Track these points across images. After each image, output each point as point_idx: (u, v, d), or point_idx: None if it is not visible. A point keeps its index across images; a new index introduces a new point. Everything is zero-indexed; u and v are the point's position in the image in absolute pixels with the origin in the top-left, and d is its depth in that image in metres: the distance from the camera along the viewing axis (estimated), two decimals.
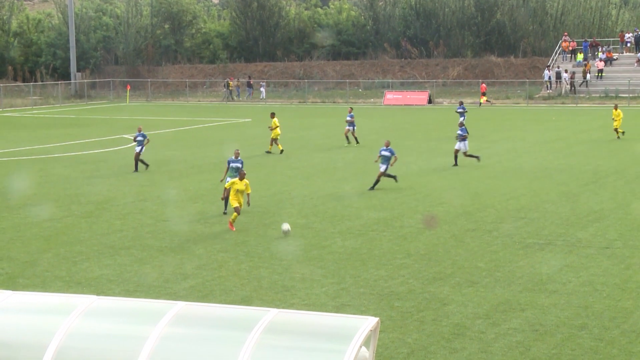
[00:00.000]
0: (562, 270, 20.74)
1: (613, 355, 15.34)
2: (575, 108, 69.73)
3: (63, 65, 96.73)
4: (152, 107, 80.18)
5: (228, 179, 27.39)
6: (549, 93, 76.79)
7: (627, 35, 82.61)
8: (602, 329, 16.62)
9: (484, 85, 75.59)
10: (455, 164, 37.77)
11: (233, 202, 25.23)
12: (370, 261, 21.87)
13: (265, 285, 19.82)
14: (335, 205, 29.16)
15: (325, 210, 28.44)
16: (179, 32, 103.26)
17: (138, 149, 37.44)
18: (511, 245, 23.33)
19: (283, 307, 16.82)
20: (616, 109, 46.72)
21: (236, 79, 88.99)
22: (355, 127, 46.55)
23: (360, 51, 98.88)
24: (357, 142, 46.18)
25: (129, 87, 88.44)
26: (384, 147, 32.33)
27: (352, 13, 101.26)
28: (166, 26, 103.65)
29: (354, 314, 16.52)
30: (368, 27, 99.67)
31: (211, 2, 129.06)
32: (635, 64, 77.63)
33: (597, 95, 74.04)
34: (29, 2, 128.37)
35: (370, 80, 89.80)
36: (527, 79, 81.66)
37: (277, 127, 43.62)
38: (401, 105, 76.66)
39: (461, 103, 52.63)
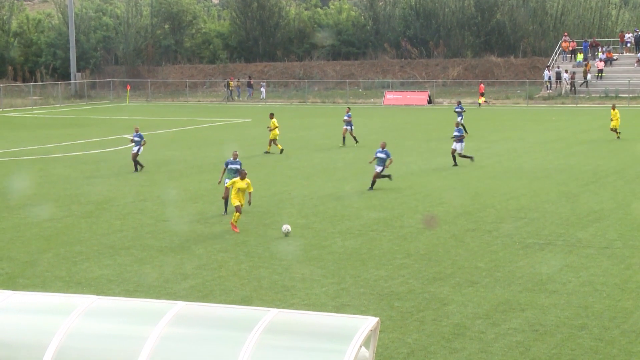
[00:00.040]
0: (562, 270, 20.74)
1: (613, 355, 15.34)
2: (575, 108, 69.73)
3: (63, 65, 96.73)
4: (152, 107, 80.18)
5: (227, 180, 27.37)
6: (549, 93, 76.79)
7: (627, 35, 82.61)
8: (602, 329, 16.62)
9: (482, 85, 75.61)
10: (455, 164, 37.78)
11: (234, 201, 25.12)
12: (370, 261, 21.87)
13: (265, 285, 19.82)
14: (335, 205, 29.16)
15: (325, 210, 28.44)
16: (179, 32, 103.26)
17: (135, 149, 37.49)
18: (511, 245, 23.33)
19: (283, 307, 16.82)
20: (614, 109, 46.88)
21: (236, 79, 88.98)
22: (352, 127, 46.57)
23: (360, 51, 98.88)
24: (357, 142, 46.20)
25: (129, 87, 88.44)
26: (380, 149, 32.38)
27: (352, 13, 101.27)
28: (166, 26, 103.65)
29: (354, 314, 16.52)
30: (368, 27, 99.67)
31: (211, 2, 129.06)
32: (635, 64, 77.62)
33: (597, 95, 74.04)
34: (29, 2, 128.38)
35: (370, 81, 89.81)
36: (527, 79, 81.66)
37: (276, 127, 43.63)
38: (401, 105, 76.66)
39: (459, 103, 52.64)
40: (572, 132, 51.92)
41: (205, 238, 24.75)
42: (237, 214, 25.10)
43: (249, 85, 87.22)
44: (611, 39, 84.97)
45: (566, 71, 76.59)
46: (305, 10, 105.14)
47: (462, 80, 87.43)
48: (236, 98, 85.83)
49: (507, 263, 21.49)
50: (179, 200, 30.83)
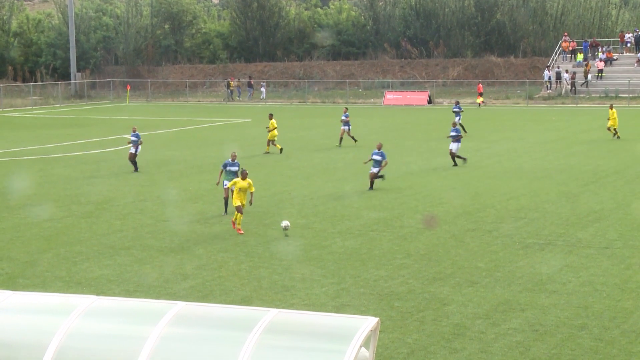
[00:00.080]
0: (562, 270, 20.74)
1: (613, 355, 15.34)
2: (575, 108, 69.73)
3: (63, 66, 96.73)
4: (152, 107, 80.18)
5: (226, 182, 27.35)
6: (549, 93, 76.79)
7: (627, 35, 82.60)
8: (602, 329, 16.62)
9: (480, 85, 75.55)
10: (455, 164, 37.79)
11: (235, 202, 25.05)
12: (370, 261, 21.87)
13: (265, 285, 19.82)
14: (335, 205, 29.16)
15: (325, 210, 28.44)
16: (179, 32, 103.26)
17: (133, 149, 37.51)
18: (511, 245, 23.33)
19: (283, 307, 16.82)
20: (612, 109, 47.04)
21: (237, 79, 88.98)
22: (350, 127, 46.59)
23: (360, 51, 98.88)
24: (355, 141, 46.23)
25: (129, 87, 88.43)
26: (376, 150, 32.41)
27: (352, 13, 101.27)
28: (166, 26, 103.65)
29: (354, 314, 16.52)
30: (368, 27, 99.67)
31: (211, 2, 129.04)
32: (635, 64, 77.62)
33: (597, 95, 74.04)
34: (29, 2, 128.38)
35: (370, 81, 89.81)
36: (527, 79, 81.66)
37: (275, 128, 43.66)
38: (401, 105, 76.65)
39: (457, 103, 52.65)
40: (572, 132, 51.92)
41: (205, 238, 24.75)
42: (239, 214, 25.02)
43: (250, 85, 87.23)
44: (611, 39, 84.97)
45: (567, 71, 76.59)
46: (305, 10, 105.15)
47: (462, 80, 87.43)
48: (236, 98, 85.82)
49: (507, 263, 21.49)
50: (179, 200, 30.83)
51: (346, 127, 46.40)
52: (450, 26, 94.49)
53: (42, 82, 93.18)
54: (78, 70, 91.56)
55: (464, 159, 38.32)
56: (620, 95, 72.19)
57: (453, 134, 38.02)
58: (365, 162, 33.63)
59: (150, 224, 26.61)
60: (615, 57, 78.81)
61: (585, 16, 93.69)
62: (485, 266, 21.20)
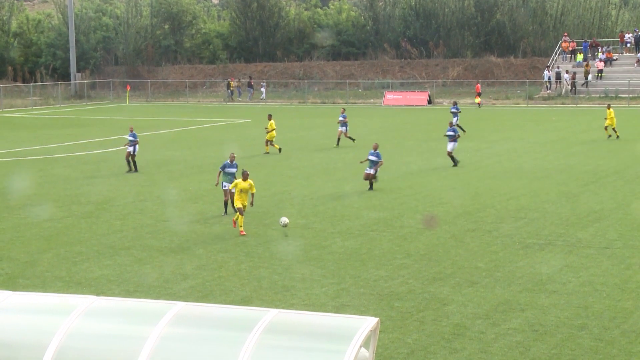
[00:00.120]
0: (562, 270, 20.74)
1: (613, 355, 15.34)
2: (575, 108, 69.72)
3: (63, 66, 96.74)
4: (152, 107, 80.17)
5: (225, 183, 27.31)
6: (548, 93, 76.78)
7: (627, 35, 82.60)
8: (602, 329, 16.62)
9: (478, 85, 75.57)
10: (455, 164, 37.77)
11: (237, 203, 25.00)
12: (370, 261, 21.87)
13: (265, 286, 19.82)
14: (335, 205, 29.16)
15: (325, 210, 28.44)
16: (178, 33, 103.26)
17: (130, 149, 37.50)
18: (511, 245, 23.33)
19: (283, 307, 16.82)
20: (609, 109, 47.12)
21: (237, 80, 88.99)
22: (347, 128, 46.59)
23: (360, 51, 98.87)
24: (353, 140, 46.24)
25: (128, 88, 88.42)
26: (372, 151, 32.42)
27: (352, 13, 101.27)
28: (166, 26, 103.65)
29: (354, 314, 16.52)
30: (368, 28, 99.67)
31: (211, 2, 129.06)
32: (635, 64, 77.62)
33: (597, 95, 74.04)
34: (29, 2, 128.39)
35: (370, 81, 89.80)
36: (527, 79, 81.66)
37: (274, 129, 43.67)
38: (401, 105, 76.64)
39: (455, 103, 52.67)
40: (572, 132, 51.93)
41: (205, 238, 24.75)
42: (240, 216, 24.93)
43: (250, 85, 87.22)
44: (611, 39, 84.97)
45: (567, 71, 76.59)
46: (305, 10, 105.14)
47: (462, 81, 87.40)
48: (236, 98, 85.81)
49: (507, 263, 21.49)
50: (179, 200, 30.83)
51: (343, 128, 46.37)
52: (450, 26, 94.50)
53: (42, 82, 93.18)
54: (78, 71, 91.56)
55: (455, 164, 37.76)
56: (620, 95, 72.19)
57: (450, 133, 37.97)
58: (362, 162, 33.64)
59: (150, 224, 26.61)
60: (615, 57, 78.80)
61: (585, 16, 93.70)
62: (485, 266, 21.20)
